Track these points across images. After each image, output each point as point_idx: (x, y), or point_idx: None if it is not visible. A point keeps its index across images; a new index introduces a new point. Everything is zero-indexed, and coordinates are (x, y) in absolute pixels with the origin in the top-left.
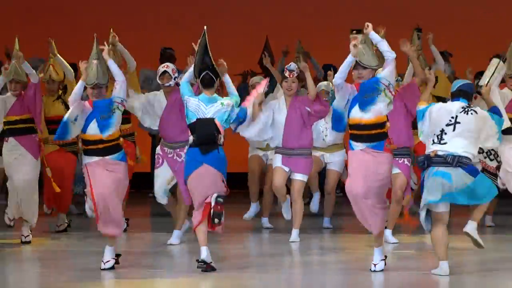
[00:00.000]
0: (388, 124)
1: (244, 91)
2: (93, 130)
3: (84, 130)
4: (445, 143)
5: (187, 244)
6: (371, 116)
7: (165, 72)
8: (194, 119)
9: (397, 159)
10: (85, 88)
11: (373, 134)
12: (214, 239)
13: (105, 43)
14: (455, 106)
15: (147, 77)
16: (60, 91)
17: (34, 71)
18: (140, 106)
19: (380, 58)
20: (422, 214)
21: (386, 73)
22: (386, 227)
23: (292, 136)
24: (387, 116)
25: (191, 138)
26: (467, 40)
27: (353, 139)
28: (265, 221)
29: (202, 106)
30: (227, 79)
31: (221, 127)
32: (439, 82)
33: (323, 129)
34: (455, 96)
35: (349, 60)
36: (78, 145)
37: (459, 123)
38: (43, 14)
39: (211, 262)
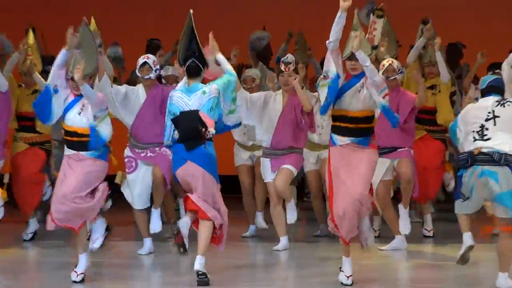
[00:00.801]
0: (376, 118)
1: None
2: (69, 120)
3: (63, 117)
4: (488, 139)
5: (175, 254)
6: (361, 109)
7: (144, 63)
8: (178, 113)
9: (390, 153)
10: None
11: (360, 128)
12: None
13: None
14: (489, 101)
15: None
16: (37, 86)
17: (4, 80)
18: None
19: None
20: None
21: (375, 93)
22: (401, 206)
23: (284, 137)
24: (374, 110)
25: (175, 133)
26: (482, 32)
27: (336, 132)
28: (259, 216)
29: (185, 97)
30: (220, 58)
31: (208, 119)
32: (441, 92)
33: (320, 124)
34: (485, 93)
35: (337, 16)
36: (52, 143)
37: (498, 117)
38: (31, 8)
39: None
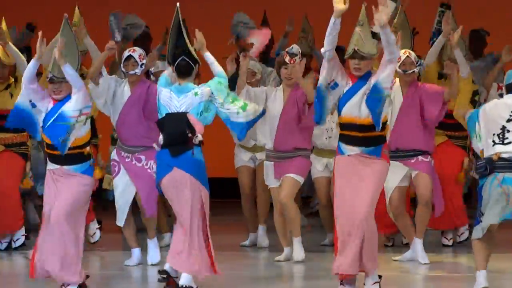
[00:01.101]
0: (388, 125)
1: (236, 77)
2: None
3: (43, 128)
4: (509, 143)
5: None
6: (369, 115)
7: (129, 57)
8: (164, 114)
9: (410, 160)
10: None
11: (370, 136)
12: None
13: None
14: None
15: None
16: (12, 79)
17: None
18: (103, 90)
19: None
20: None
21: (384, 77)
22: (416, 237)
23: (287, 137)
24: (386, 116)
25: (160, 138)
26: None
27: (344, 141)
28: (261, 231)
29: (174, 98)
30: (208, 56)
31: (197, 124)
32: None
33: (329, 127)
34: (511, 89)
35: (331, 23)
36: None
37: None
38: None
39: (176, 277)
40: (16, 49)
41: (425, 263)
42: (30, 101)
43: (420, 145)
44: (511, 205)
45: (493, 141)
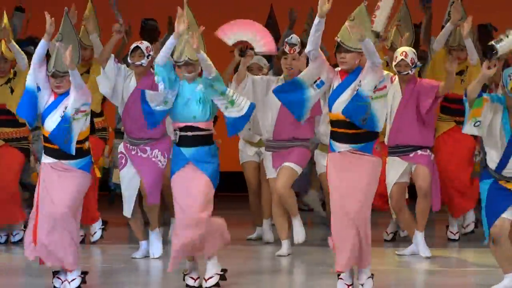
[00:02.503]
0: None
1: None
2: (51, 125)
3: (42, 121)
4: None
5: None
6: None
7: (137, 48)
8: None
9: (409, 154)
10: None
11: (360, 133)
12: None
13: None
14: None
15: None
16: (12, 74)
17: None
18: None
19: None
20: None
21: (367, 83)
22: (417, 230)
23: (288, 126)
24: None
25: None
26: None
27: (334, 139)
28: (265, 225)
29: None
30: (201, 56)
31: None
32: (468, 74)
33: None
34: None
35: (315, 22)
36: (31, 140)
37: None
38: None
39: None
40: (17, 47)
41: (426, 257)
42: (37, 84)
43: (419, 141)
44: None
45: None
